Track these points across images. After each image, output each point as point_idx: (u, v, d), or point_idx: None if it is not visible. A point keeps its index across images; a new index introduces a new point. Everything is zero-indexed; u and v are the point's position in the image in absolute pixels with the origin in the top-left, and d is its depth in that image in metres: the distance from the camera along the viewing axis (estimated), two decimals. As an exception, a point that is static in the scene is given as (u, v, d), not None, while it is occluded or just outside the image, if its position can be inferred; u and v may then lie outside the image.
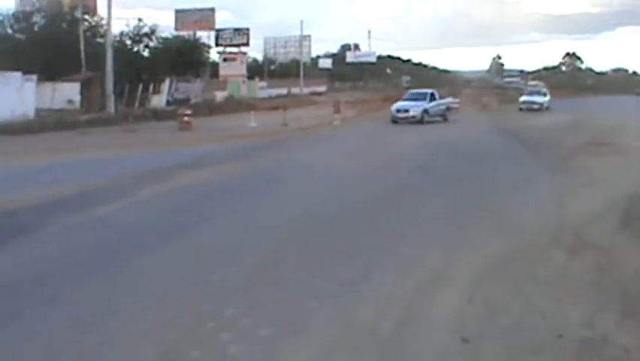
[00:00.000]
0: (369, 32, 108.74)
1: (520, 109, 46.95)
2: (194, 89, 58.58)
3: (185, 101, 55.02)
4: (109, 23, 43.78)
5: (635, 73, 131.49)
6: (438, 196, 13.27)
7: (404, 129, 32.17)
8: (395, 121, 35.97)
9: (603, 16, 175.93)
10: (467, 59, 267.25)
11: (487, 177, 15.89)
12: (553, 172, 16.31)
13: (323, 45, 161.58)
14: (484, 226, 10.35)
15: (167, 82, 54.32)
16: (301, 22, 77.90)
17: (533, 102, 48.87)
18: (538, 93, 53.46)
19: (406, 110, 36.50)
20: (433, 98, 38.41)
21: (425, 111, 36.42)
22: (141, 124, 35.45)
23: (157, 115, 41.77)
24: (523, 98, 50.53)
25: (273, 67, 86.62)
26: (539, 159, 19.04)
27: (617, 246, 9.10)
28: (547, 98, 51.38)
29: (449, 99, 41.08)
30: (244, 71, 70.72)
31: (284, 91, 71.55)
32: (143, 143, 26.47)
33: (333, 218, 11.06)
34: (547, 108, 48.48)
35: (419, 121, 35.35)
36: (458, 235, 9.74)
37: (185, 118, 35.35)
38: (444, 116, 38.07)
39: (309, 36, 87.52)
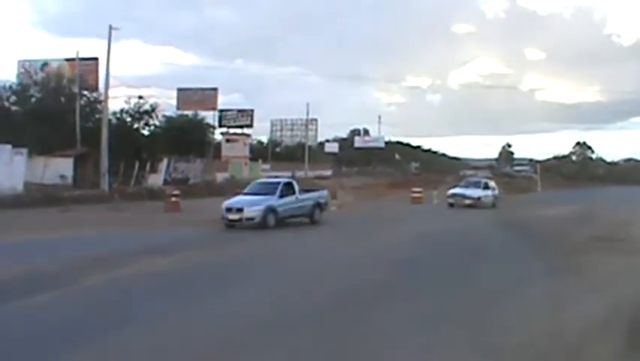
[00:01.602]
0: (379, 118, 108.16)
1: (450, 204, 38.74)
2: (193, 168, 57.81)
3: (184, 181, 54.14)
4: (105, 99, 43.19)
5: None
6: (414, 302, 11.40)
7: (400, 217, 30.47)
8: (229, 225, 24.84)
9: (615, 105, 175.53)
10: (478, 147, 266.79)
11: (478, 276, 13.99)
12: (553, 273, 14.47)
13: (332, 130, 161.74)
14: (460, 344, 8.56)
15: (165, 161, 53.49)
16: (307, 104, 77.35)
17: (465, 196, 39.33)
18: (476, 185, 42.41)
19: (239, 210, 25.04)
20: (288, 191, 26.83)
21: (271, 210, 25.36)
22: (133, 203, 34.55)
23: (152, 194, 40.84)
24: (452, 191, 40.96)
25: (278, 149, 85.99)
26: (540, 256, 17.21)
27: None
28: (491, 192, 41.41)
29: (322, 192, 29.58)
30: (247, 153, 70.20)
31: (288, 174, 70.33)
32: (123, 223, 25.35)
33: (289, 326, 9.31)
34: (493, 205, 39.32)
35: (261, 225, 24.50)
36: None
37: (173, 198, 34.05)
38: (311, 216, 27.53)
39: (315, 119, 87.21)
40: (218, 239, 21.35)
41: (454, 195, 39.88)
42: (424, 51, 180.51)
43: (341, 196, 41.49)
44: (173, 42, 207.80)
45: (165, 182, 50.95)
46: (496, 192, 42.40)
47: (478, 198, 39.09)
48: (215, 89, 68.08)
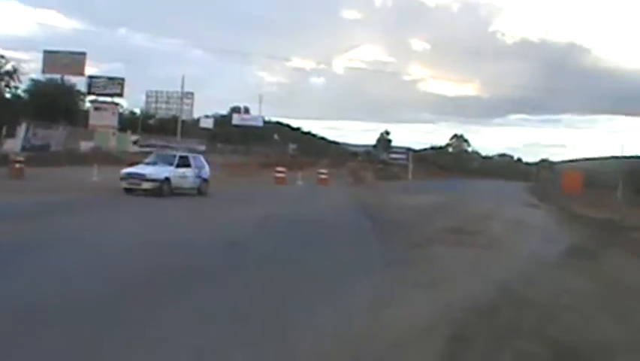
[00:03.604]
0: (261, 97, 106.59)
1: (125, 190, 27.13)
2: (56, 135, 54.99)
3: (44, 148, 51.32)
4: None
5: (519, 160, 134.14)
6: (214, 291, 9.80)
7: (255, 198, 29.03)
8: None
9: (494, 102, 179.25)
10: (357, 133, 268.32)
11: (306, 264, 12.62)
12: (391, 265, 13.18)
13: (213, 106, 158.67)
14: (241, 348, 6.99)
15: (23, 126, 50.51)
16: (183, 77, 74.07)
17: (143, 177, 27.28)
18: (167, 161, 29.51)
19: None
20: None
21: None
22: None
23: (5, 160, 37.81)
24: (127, 170, 28.24)
25: (151, 121, 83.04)
26: (384, 245, 15.97)
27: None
28: (192, 172, 29.83)
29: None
30: (115, 122, 67.18)
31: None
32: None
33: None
34: (199, 191, 29.84)
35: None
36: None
37: (17, 165, 32.21)
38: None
39: (192, 93, 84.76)
40: (34, 211, 19.05)
41: (128, 175, 27.76)
42: (311, 34, 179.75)
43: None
44: (55, 5, 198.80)
45: (23, 148, 48.22)
46: (206, 171, 31.20)
47: (165, 180, 27.70)
48: (83, 54, 64.58)
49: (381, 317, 8.84)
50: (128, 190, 26.90)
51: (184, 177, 29.09)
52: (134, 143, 66.87)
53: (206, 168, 31.32)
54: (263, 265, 12.29)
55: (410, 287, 10.87)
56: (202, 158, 32.41)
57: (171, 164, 28.96)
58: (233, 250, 13.83)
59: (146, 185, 26.86)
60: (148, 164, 29.11)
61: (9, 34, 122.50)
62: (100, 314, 7.89)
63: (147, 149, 55.93)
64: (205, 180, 30.62)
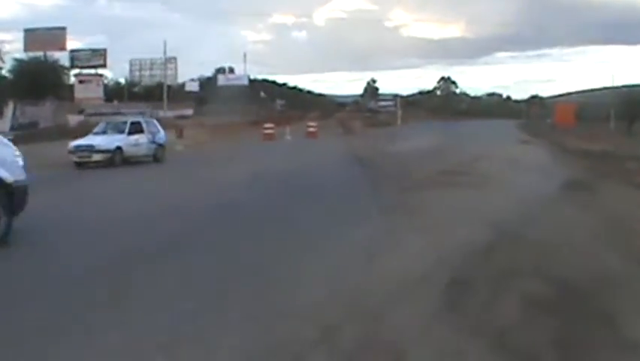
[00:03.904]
0: (245, 56, 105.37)
1: (76, 163, 25.94)
2: (43, 112, 54.48)
3: (33, 125, 50.93)
4: None
5: (508, 98, 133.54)
6: (201, 256, 9.47)
7: (261, 152, 28.63)
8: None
9: (480, 41, 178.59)
10: (344, 84, 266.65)
11: (296, 218, 12.38)
12: (384, 212, 12.88)
13: (198, 69, 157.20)
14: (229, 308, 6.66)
15: (10, 105, 50.12)
16: (164, 42, 73.22)
17: (92, 149, 26.11)
18: (117, 129, 28.25)
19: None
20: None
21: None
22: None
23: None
24: (75, 143, 27.03)
25: (136, 89, 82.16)
26: (377, 192, 15.69)
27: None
28: (146, 138, 28.50)
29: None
30: (101, 94, 66.69)
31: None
32: None
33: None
34: (155, 158, 28.50)
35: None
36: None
37: None
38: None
39: (174, 58, 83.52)
40: None
41: (77, 148, 26.46)
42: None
43: (193, 136, 39.40)
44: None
45: (12, 128, 47.76)
46: (161, 136, 29.70)
47: (116, 150, 26.56)
48: (63, 29, 64.02)
49: (376, 265, 8.54)
50: (78, 164, 25.76)
51: (137, 144, 27.81)
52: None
53: (162, 132, 29.88)
54: (252, 224, 11.99)
55: (404, 233, 10.58)
56: (156, 122, 31.05)
57: (122, 132, 27.70)
58: (221, 212, 13.49)
59: (96, 157, 25.75)
60: (97, 133, 27.95)
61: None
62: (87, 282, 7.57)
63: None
64: (161, 145, 29.08)
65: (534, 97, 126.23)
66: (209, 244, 10.18)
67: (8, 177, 9.88)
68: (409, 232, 10.65)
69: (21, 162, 10.63)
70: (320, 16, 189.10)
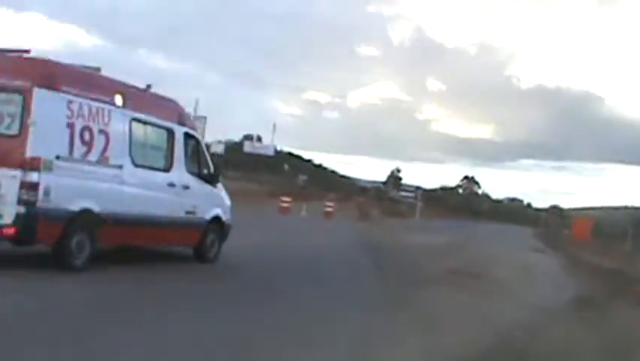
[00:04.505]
0: (274, 126, 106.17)
1: None
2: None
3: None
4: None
5: (529, 205, 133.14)
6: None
7: (260, 221, 28.47)
8: None
9: (506, 145, 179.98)
10: (368, 168, 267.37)
11: (297, 300, 12.20)
12: (388, 305, 12.64)
13: (226, 131, 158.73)
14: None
15: None
16: (196, 100, 73.85)
17: None
18: None
19: None
20: None
21: None
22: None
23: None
24: None
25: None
26: (384, 285, 15.47)
27: None
28: None
29: None
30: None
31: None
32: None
33: None
34: None
35: None
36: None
37: None
38: None
39: (204, 117, 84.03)
40: None
41: None
42: (328, 67, 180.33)
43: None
44: (77, 21, 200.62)
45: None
46: None
47: None
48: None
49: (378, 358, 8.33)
50: None
51: None
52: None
53: None
54: (252, 299, 11.80)
55: (405, 331, 10.34)
56: None
57: None
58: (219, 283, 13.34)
59: None
60: None
61: (34, 47, 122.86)
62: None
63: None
64: None
65: (554, 207, 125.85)
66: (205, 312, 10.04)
67: (223, 216, 15.35)
68: (411, 331, 10.39)
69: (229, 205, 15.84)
70: (354, 99, 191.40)
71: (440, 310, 12.82)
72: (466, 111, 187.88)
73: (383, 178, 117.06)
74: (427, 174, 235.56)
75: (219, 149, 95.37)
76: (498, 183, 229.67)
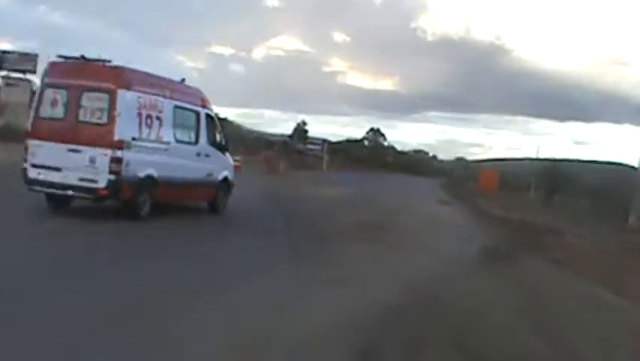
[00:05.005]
0: (183, 81, 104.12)
1: None
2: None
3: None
4: None
5: (434, 157, 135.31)
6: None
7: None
8: None
9: (411, 98, 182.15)
10: (275, 122, 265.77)
11: (206, 258, 11.81)
12: (297, 261, 12.28)
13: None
14: None
15: None
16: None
17: None
18: None
19: None
20: None
21: None
22: None
23: None
24: None
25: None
26: (291, 239, 15.13)
27: None
28: None
29: None
30: (27, 99, 64.54)
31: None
32: None
33: None
34: None
35: None
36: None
37: None
38: None
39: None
40: None
41: None
42: (232, 20, 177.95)
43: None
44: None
45: None
46: None
47: None
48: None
49: (281, 321, 7.94)
50: None
51: None
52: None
53: None
54: (160, 258, 11.35)
55: (315, 287, 10.00)
56: None
57: None
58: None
59: None
60: None
61: None
62: None
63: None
64: None
65: (460, 159, 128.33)
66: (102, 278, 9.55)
67: (229, 176, 19.08)
68: (320, 287, 10.07)
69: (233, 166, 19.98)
70: (258, 52, 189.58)
71: (349, 265, 12.54)
72: (372, 63, 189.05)
73: (289, 132, 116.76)
74: (334, 127, 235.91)
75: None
76: (404, 134, 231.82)
